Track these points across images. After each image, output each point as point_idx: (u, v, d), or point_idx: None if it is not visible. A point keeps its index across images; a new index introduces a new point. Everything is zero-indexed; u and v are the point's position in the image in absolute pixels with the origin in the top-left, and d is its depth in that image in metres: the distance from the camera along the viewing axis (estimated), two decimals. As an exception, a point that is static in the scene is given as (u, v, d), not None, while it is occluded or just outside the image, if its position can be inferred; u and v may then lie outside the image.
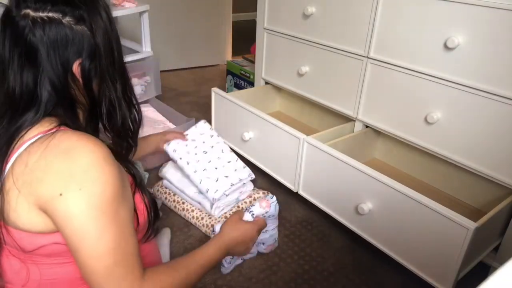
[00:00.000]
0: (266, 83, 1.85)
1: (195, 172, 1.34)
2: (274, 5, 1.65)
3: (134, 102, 0.80)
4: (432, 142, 1.23)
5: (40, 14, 0.64)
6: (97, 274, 0.63)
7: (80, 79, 0.70)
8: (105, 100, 0.74)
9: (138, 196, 0.77)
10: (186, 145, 1.39)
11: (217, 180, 1.32)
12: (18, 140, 0.65)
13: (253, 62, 2.21)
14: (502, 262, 1.12)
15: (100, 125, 0.79)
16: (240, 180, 1.36)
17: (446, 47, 1.12)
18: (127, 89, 0.77)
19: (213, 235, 0.93)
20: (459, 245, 0.98)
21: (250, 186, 1.43)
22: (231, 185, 1.32)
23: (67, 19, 0.66)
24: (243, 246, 0.92)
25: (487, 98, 1.08)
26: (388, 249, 1.17)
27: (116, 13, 1.77)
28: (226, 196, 1.34)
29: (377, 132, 1.49)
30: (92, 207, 0.62)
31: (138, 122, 0.81)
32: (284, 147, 1.42)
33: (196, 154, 1.38)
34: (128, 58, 1.91)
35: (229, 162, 1.40)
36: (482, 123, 1.10)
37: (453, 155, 1.19)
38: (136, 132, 0.82)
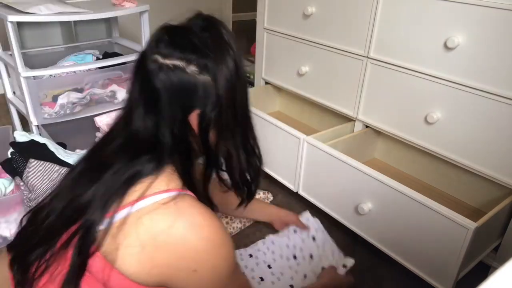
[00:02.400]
0: (266, 83, 1.85)
1: None
2: (274, 5, 1.65)
3: (257, 154, 0.79)
4: (432, 142, 1.23)
5: (167, 61, 0.65)
6: None
7: (196, 129, 0.69)
8: (222, 151, 0.73)
9: None
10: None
11: None
12: (142, 189, 0.64)
13: (253, 62, 2.20)
14: (502, 262, 1.12)
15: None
16: None
17: (446, 47, 1.12)
18: (249, 139, 0.76)
19: None
20: (459, 245, 0.98)
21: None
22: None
23: (191, 68, 0.66)
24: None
25: (487, 98, 1.08)
26: (388, 249, 1.17)
27: (116, 13, 1.77)
28: (226, 196, 1.34)
29: (377, 132, 1.49)
30: (223, 276, 0.67)
31: (257, 173, 0.80)
32: (284, 147, 1.42)
33: None
34: (128, 58, 1.91)
35: None
36: (482, 123, 1.10)
37: (453, 155, 1.19)
38: (255, 183, 0.81)
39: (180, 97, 0.67)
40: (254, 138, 0.78)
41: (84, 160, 0.75)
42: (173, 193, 0.65)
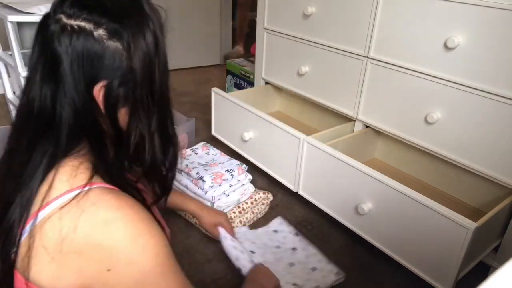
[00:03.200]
0: (266, 83, 1.85)
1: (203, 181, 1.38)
2: (274, 5, 1.65)
3: (174, 142, 0.70)
4: (432, 142, 1.23)
5: (72, 21, 0.57)
6: None
7: (101, 104, 0.61)
8: (135, 134, 0.64)
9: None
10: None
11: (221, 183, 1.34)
12: (44, 193, 0.59)
13: (253, 62, 2.21)
14: (502, 262, 1.12)
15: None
16: (238, 181, 1.39)
17: (446, 47, 1.12)
18: (166, 125, 0.68)
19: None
20: (459, 245, 0.98)
21: (251, 188, 1.44)
22: (230, 186, 1.35)
23: (99, 32, 0.57)
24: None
25: (487, 98, 1.08)
26: (388, 249, 1.17)
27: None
28: (227, 196, 1.35)
29: (377, 132, 1.49)
30: (148, 274, 0.59)
31: (174, 164, 0.71)
32: (284, 147, 1.42)
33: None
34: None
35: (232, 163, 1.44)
36: (482, 123, 1.10)
37: (453, 155, 1.19)
38: (169, 176, 0.72)
39: (84, 64, 0.58)
40: (172, 124, 0.69)
41: (4, 147, 0.67)
42: (75, 192, 0.58)
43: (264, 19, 1.71)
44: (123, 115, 0.64)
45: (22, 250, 0.58)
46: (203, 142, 1.62)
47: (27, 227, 0.58)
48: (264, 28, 1.73)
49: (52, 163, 0.60)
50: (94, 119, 0.62)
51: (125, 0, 0.61)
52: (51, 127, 0.60)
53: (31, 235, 0.58)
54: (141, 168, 0.69)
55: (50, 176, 0.59)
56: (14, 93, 1.87)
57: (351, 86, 1.42)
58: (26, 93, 0.61)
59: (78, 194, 0.58)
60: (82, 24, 0.57)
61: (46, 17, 0.60)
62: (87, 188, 0.59)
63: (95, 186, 0.60)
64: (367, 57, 1.34)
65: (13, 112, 1.89)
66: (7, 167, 0.64)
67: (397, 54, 1.25)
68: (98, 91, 0.60)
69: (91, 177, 0.60)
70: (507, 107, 1.04)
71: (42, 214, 0.58)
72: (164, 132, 0.68)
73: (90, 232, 0.57)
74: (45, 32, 0.58)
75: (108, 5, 0.59)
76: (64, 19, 0.57)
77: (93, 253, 0.57)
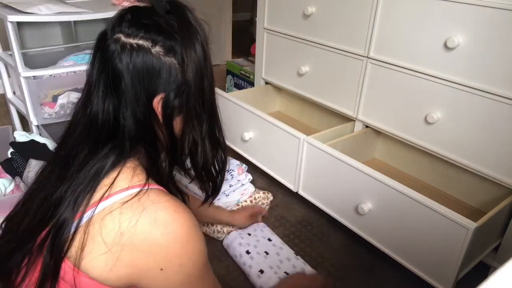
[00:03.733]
0: (266, 83, 1.85)
1: None
2: (274, 5, 1.65)
3: (222, 145, 0.75)
4: (432, 142, 1.23)
5: (131, 40, 0.62)
6: None
7: (160, 115, 0.66)
8: (188, 140, 0.69)
9: None
10: None
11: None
12: (107, 186, 0.62)
13: (253, 62, 2.21)
14: (502, 262, 1.12)
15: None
16: (238, 181, 1.40)
17: (446, 47, 1.12)
18: (215, 130, 0.73)
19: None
20: (459, 245, 0.98)
21: (251, 188, 1.44)
22: (230, 186, 1.35)
23: (156, 49, 0.62)
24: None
25: (487, 98, 1.08)
26: (388, 249, 1.17)
27: (116, 13, 1.76)
28: (227, 196, 1.35)
29: (377, 132, 1.49)
30: (192, 276, 0.64)
31: (223, 166, 0.77)
32: (284, 147, 1.42)
33: None
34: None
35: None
36: (482, 123, 1.10)
37: (453, 155, 1.19)
38: (220, 176, 0.78)
39: (144, 79, 0.63)
40: (220, 129, 0.75)
41: (53, 155, 0.72)
42: (135, 190, 0.62)
43: (264, 19, 1.71)
44: (177, 123, 0.68)
45: (77, 238, 0.60)
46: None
47: (85, 216, 0.60)
48: (264, 28, 1.73)
49: (117, 163, 0.63)
50: (152, 128, 0.67)
51: (176, 17, 0.65)
52: (113, 137, 0.64)
53: (89, 224, 0.60)
54: (193, 172, 0.74)
55: (113, 174, 0.63)
56: (14, 93, 1.87)
57: (351, 86, 1.42)
58: (87, 107, 0.65)
59: (140, 191, 0.61)
60: (141, 42, 0.62)
61: (103, 35, 0.64)
62: (147, 187, 0.62)
63: (152, 187, 0.64)
64: (367, 57, 1.34)
65: (13, 112, 1.89)
66: (62, 171, 0.66)
67: (397, 54, 1.25)
68: (157, 103, 0.65)
69: (147, 178, 0.64)
70: (507, 107, 1.04)
71: (102, 205, 0.60)
72: (214, 137, 0.73)
73: (150, 230, 0.59)
74: (105, 50, 0.63)
75: (162, 24, 0.64)
76: (123, 38, 0.62)
77: (151, 250, 0.60)
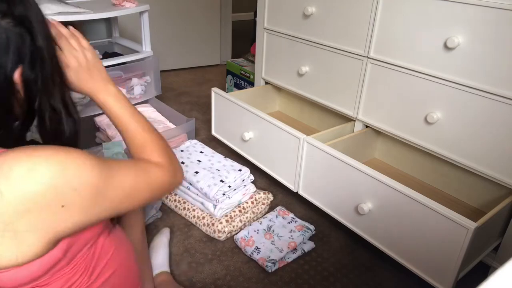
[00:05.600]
0: (266, 83, 1.85)
1: (196, 173, 1.39)
2: (274, 5, 1.65)
3: (74, 110, 0.72)
4: (432, 142, 1.23)
5: None
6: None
7: (21, 91, 0.62)
8: (47, 111, 0.66)
9: None
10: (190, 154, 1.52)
11: (217, 183, 1.34)
12: None
13: (253, 62, 2.20)
14: (502, 262, 1.12)
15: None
16: (243, 181, 1.40)
17: (446, 47, 1.12)
18: (65, 95, 0.70)
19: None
20: (459, 245, 0.98)
21: (252, 188, 1.44)
22: (229, 187, 1.35)
23: (6, 20, 0.58)
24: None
25: (487, 98, 1.08)
26: (388, 249, 1.17)
27: (116, 13, 1.77)
28: (229, 198, 1.35)
29: (377, 132, 1.49)
30: (99, 187, 0.60)
31: (76, 133, 0.73)
32: (284, 147, 1.42)
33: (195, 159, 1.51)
34: (128, 58, 1.91)
35: (226, 166, 1.46)
36: (482, 123, 1.10)
37: (453, 155, 1.19)
38: (73, 142, 0.73)
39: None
40: (69, 94, 0.71)
41: None
42: None
43: (264, 19, 1.71)
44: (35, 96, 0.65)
45: None
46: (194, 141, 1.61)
47: None
48: (264, 28, 1.73)
49: None
50: (9, 103, 0.62)
51: None
52: None
53: None
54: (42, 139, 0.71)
55: None
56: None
57: (351, 86, 1.42)
58: None
59: None
60: None
61: None
62: None
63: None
64: (367, 57, 1.34)
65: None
66: None
67: (397, 54, 1.25)
68: (18, 78, 0.61)
69: None
70: (507, 107, 1.04)
71: None
72: (67, 102, 0.70)
73: (20, 188, 0.54)
74: None
75: None
76: None
77: (38, 204, 0.54)
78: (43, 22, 0.64)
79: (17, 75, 0.61)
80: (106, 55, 1.99)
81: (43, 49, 0.63)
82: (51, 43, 0.66)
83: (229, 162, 1.48)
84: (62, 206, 0.56)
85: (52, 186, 0.55)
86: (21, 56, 0.60)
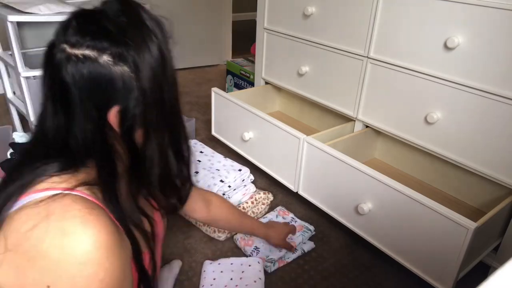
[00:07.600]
0: (266, 83, 1.85)
1: (196, 173, 1.39)
2: (274, 5, 1.65)
3: (185, 155, 0.70)
4: (432, 142, 1.23)
5: (76, 51, 0.56)
6: None
7: (118, 129, 0.60)
8: (150, 155, 0.63)
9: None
10: None
11: (217, 183, 1.34)
12: (31, 185, 0.56)
13: (253, 62, 2.21)
14: (502, 262, 1.12)
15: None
16: (243, 181, 1.40)
17: (446, 47, 1.12)
18: (179, 140, 0.68)
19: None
20: (459, 245, 0.98)
21: (252, 188, 1.44)
22: (229, 187, 1.35)
23: (104, 58, 0.56)
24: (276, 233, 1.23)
25: (487, 98, 1.08)
26: (388, 249, 1.17)
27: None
28: (229, 198, 1.35)
29: (377, 132, 1.49)
30: None
31: (187, 177, 0.72)
32: (284, 147, 1.42)
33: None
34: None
35: (226, 166, 1.46)
36: (482, 123, 1.10)
37: (453, 155, 1.19)
38: (186, 186, 0.73)
39: (93, 92, 0.57)
40: (185, 138, 0.69)
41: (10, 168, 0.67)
42: (53, 192, 0.55)
43: (264, 19, 1.71)
44: (139, 136, 0.62)
45: None
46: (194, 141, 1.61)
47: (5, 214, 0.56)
48: (264, 28, 1.73)
49: (63, 169, 0.58)
50: (107, 143, 0.60)
51: (127, 19, 0.59)
52: (63, 154, 0.60)
53: (5, 219, 0.55)
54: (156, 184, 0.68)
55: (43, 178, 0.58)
56: (14, 93, 1.87)
57: (351, 86, 1.42)
58: (41, 124, 0.61)
59: (56, 194, 0.55)
60: (86, 52, 0.56)
61: (51, 46, 0.58)
62: (68, 192, 0.56)
63: (78, 193, 0.57)
64: (367, 57, 1.34)
65: (13, 112, 1.88)
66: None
67: (397, 54, 1.25)
68: (114, 117, 0.59)
69: (78, 185, 0.58)
70: (507, 107, 1.04)
71: (20, 203, 0.55)
72: (177, 148, 0.68)
73: (44, 236, 0.52)
74: (52, 63, 0.57)
75: (110, 28, 0.57)
76: (69, 49, 0.56)
77: (39, 261, 0.52)
78: (157, 65, 0.60)
79: (112, 115, 0.58)
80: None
81: (148, 91, 0.59)
82: (163, 88, 0.61)
83: (229, 162, 1.48)
84: (48, 286, 0.52)
85: (64, 262, 0.52)
86: (118, 96, 0.58)
